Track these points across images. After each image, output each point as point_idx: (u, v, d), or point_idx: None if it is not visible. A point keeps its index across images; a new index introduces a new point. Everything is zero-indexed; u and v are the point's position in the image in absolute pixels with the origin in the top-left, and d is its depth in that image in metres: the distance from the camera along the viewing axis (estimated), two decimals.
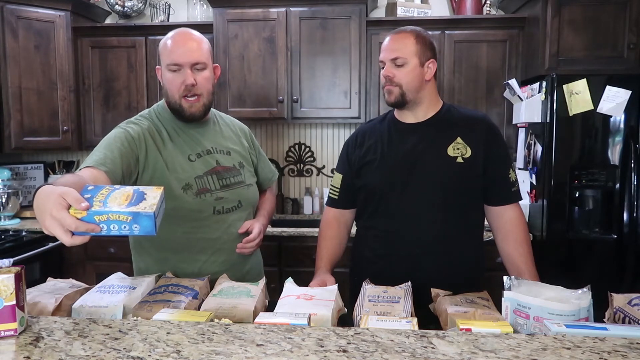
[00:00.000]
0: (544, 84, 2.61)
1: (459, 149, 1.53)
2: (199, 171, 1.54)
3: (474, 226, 1.61)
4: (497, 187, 1.57)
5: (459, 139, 1.54)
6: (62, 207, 0.92)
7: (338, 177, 1.71)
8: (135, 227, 0.94)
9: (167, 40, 1.51)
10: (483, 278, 1.60)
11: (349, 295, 1.48)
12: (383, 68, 1.56)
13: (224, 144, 1.65)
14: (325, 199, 1.79)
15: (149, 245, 1.58)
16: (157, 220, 0.96)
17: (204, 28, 3.10)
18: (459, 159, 1.52)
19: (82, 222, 0.92)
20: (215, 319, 1.10)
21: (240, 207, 1.62)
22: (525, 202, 2.83)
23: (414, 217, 1.53)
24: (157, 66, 1.57)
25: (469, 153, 1.53)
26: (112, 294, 1.23)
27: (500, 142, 1.59)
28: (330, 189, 1.73)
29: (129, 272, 1.59)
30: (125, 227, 0.94)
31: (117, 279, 1.36)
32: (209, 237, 1.56)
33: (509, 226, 1.57)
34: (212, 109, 1.64)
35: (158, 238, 1.52)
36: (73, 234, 0.93)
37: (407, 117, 1.61)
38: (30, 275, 2.03)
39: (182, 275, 1.48)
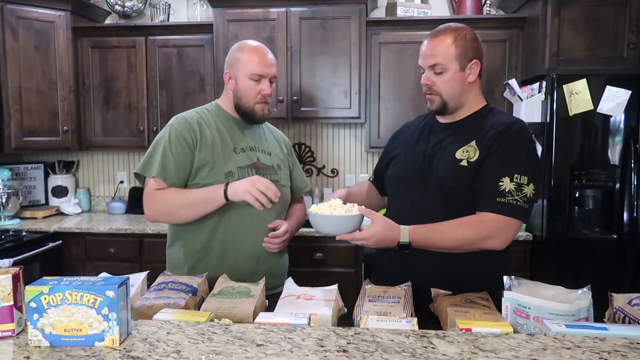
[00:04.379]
0: (544, 84, 2.61)
1: (467, 152, 1.47)
2: (241, 163, 1.68)
3: None
4: (483, 192, 1.42)
5: (472, 143, 1.47)
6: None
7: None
8: None
9: (249, 51, 1.70)
10: (484, 280, 1.56)
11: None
12: (423, 73, 1.51)
13: (266, 145, 1.79)
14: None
15: (186, 236, 1.70)
16: None
17: (204, 28, 3.11)
18: (464, 162, 1.46)
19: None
20: (215, 319, 1.10)
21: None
22: None
23: (416, 215, 1.50)
24: (227, 71, 1.71)
25: (475, 157, 1.44)
26: None
27: (505, 148, 1.42)
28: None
29: (129, 272, 1.59)
30: None
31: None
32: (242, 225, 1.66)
33: (473, 217, 1.41)
34: None
35: (194, 228, 1.68)
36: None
37: (445, 117, 1.55)
38: (30, 275, 2.03)
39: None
